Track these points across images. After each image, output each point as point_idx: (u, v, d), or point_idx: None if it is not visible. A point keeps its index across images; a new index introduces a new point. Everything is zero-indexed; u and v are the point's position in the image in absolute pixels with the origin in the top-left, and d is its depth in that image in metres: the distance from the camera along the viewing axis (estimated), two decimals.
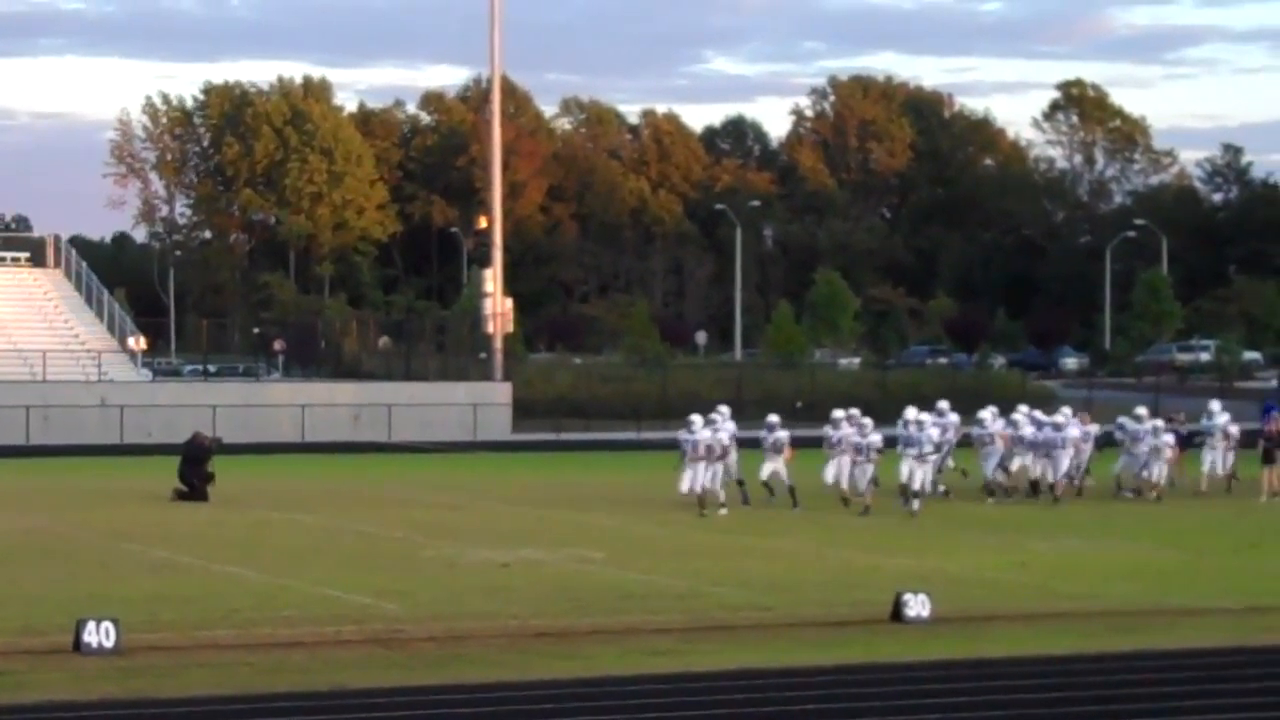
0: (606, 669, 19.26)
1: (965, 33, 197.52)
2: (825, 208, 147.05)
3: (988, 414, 40.43)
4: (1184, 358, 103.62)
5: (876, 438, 37.16)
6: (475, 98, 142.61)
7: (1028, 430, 39.95)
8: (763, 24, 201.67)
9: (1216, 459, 41.92)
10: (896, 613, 22.35)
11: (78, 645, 19.73)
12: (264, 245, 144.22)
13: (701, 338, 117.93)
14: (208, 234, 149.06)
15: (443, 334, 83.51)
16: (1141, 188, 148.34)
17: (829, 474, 37.60)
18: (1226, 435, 42.01)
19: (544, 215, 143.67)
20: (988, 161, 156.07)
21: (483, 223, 75.52)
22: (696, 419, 36.55)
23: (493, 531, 32.61)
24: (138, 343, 71.56)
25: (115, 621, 19.96)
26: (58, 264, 74.00)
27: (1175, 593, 25.39)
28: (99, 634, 19.76)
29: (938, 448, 38.01)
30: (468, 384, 67.42)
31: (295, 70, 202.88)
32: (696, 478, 35.81)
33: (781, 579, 26.62)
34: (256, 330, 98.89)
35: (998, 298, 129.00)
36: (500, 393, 66.38)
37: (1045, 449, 39.75)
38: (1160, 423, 41.34)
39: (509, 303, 70.35)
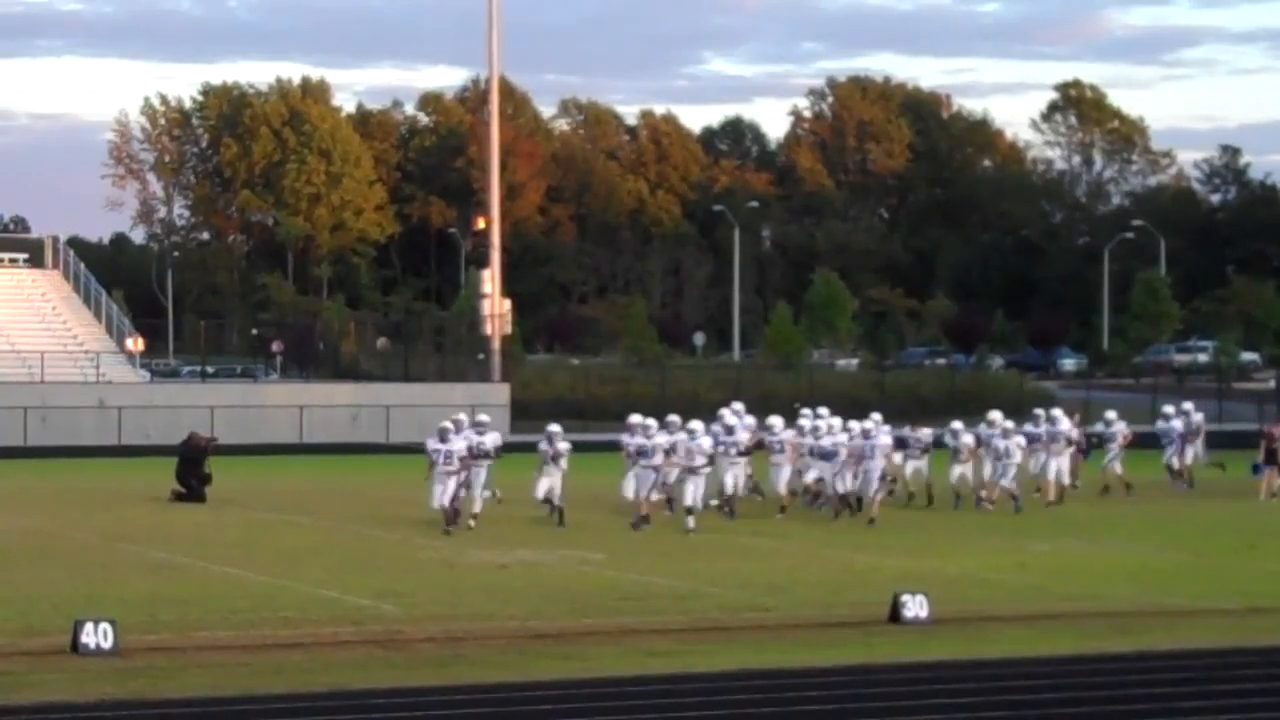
0: (605, 670, 19.25)
1: (963, 34, 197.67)
2: (823, 208, 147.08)
3: (778, 420, 37.39)
4: (1182, 359, 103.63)
5: (660, 439, 34.14)
6: (473, 99, 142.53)
7: (827, 440, 36.42)
8: (761, 25, 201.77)
9: (1056, 463, 39.94)
10: (895, 614, 22.34)
11: (76, 646, 19.71)
12: (262, 246, 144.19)
13: (700, 339, 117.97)
14: (206, 235, 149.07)
15: (441, 335, 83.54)
16: (1140, 188, 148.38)
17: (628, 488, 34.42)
18: (1069, 440, 40.57)
19: (542, 216, 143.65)
20: (986, 162, 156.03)
21: (481, 224, 75.48)
22: (450, 425, 33.65)
23: (491, 532, 32.59)
24: (136, 344, 71.58)
25: (113, 622, 19.95)
26: (56, 265, 74.02)
27: (1175, 593, 25.39)
28: (97, 635, 19.75)
29: (711, 459, 34.38)
30: (466, 385, 67.41)
31: (293, 71, 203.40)
32: (447, 491, 32.89)
33: (780, 580, 26.62)
34: (255, 331, 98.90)
35: (996, 299, 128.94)
36: (498, 394, 66.37)
37: (855, 458, 35.97)
38: (1010, 425, 38.67)
39: (507, 304, 70.37)
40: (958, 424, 39.12)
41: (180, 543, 30.92)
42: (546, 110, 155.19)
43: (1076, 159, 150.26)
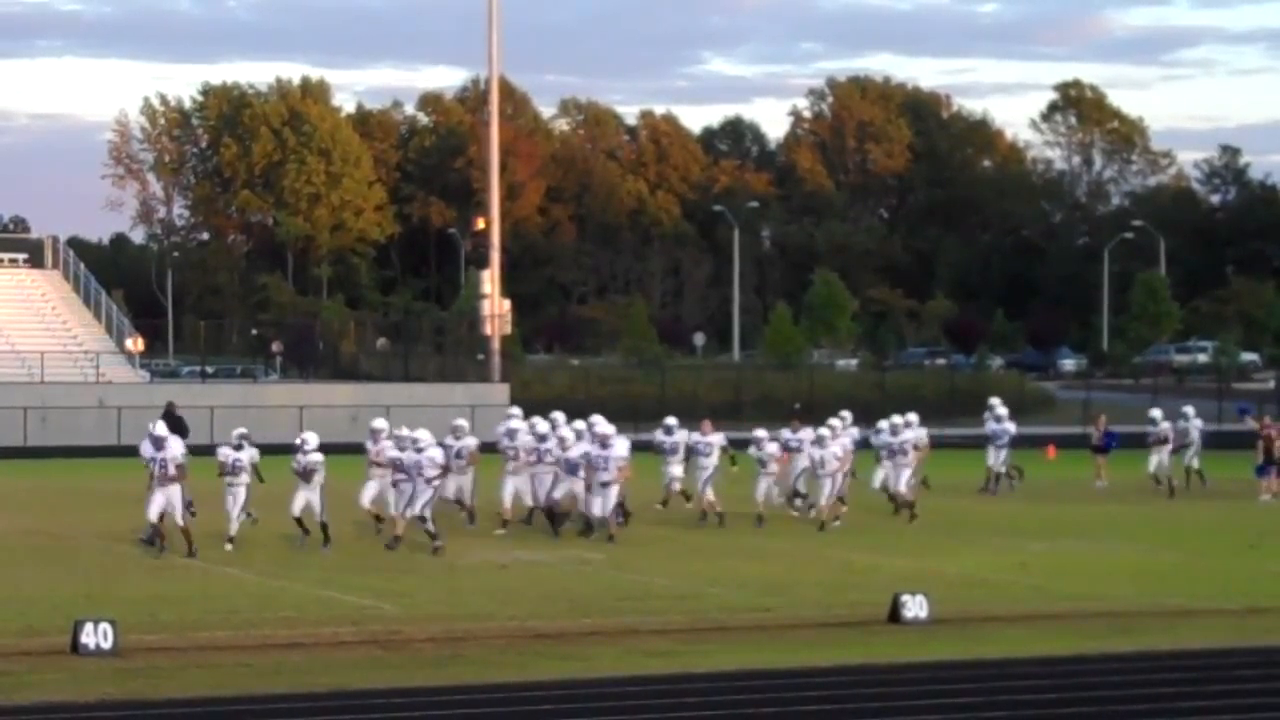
0: (605, 670, 19.25)
1: (963, 34, 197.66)
2: (823, 209, 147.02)
3: (520, 424, 34.12)
4: (1182, 359, 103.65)
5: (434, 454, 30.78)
6: (473, 99, 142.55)
7: (575, 450, 32.26)
8: (760, 25, 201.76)
9: (889, 475, 36.37)
10: (894, 614, 22.35)
11: (75, 646, 19.72)
12: (262, 246, 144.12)
13: (700, 339, 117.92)
14: (205, 235, 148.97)
15: (441, 335, 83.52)
16: (1139, 189, 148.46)
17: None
18: (910, 449, 36.53)
19: (542, 216, 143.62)
20: (986, 162, 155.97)
21: (481, 224, 75.43)
22: (162, 430, 29.90)
23: (490, 532, 32.56)
24: (135, 344, 71.52)
25: (113, 622, 19.96)
26: (56, 265, 73.98)
27: (1174, 593, 25.40)
28: (97, 635, 19.76)
29: (445, 469, 30.76)
30: (466, 385, 67.33)
31: (293, 71, 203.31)
32: (154, 504, 29.00)
33: (780, 580, 26.63)
34: (254, 331, 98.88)
35: (996, 299, 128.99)
36: (498, 394, 66.30)
37: (577, 468, 32.09)
38: (825, 431, 34.65)
39: (507, 304, 70.32)
40: (761, 431, 35.46)
41: (180, 543, 30.89)
42: (546, 110, 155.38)
43: (1076, 159, 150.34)
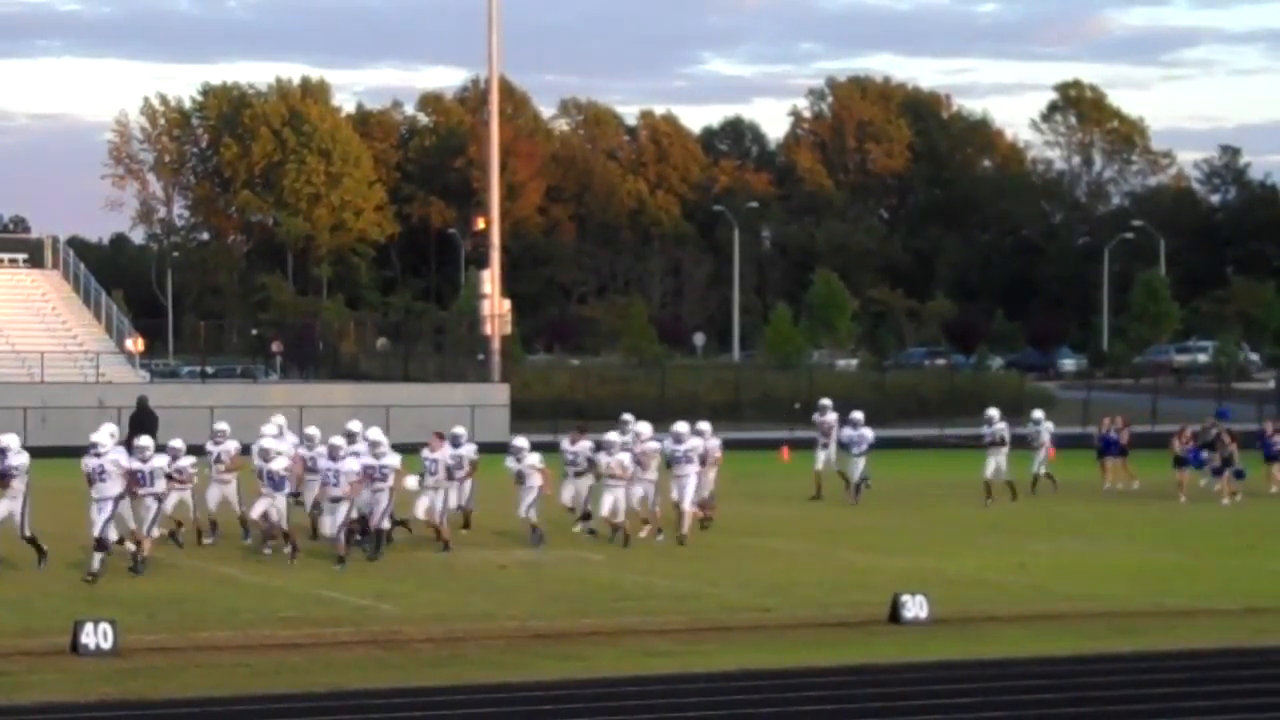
0: (604, 670, 19.25)
1: (962, 34, 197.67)
2: (823, 209, 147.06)
3: (274, 428, 30.68)
4: (1182, 359, 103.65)
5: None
6: (473, 99, 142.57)
7: (277, 461, 28.68)
8: (760, 25, 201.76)
9: (687, 487, 31.55)
10: (894, 614, 22.35)
11: (75, 646, 19.72)
12: (262, 246, 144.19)
13: (699, 339, 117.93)
14: (205, 235, 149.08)
15: (441, 335, 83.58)
16: (1139, 189, 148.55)
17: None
18: (695, 457, 31.69)
19: (542, 216, 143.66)
20: (986, 163, 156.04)
21: (481, 224, 75.46)
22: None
23: (490, 532, 32.55)
24: (135, 344, 71.52)
25: (113, 623, 19.96)
26: (56, 265, 74.00)
27: (1174, 594, 25.39)
28: (97, 635, 19.76)
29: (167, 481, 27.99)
30: (466, 385, 67.35)
31: (293, 71, 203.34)
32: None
33: (780, 580, 26.63)
34: (254, 331, 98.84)
35: (996, 299, 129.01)
36: (498, 394, 66.34)
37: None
38: (613, 436, 31.59)
39: (507, 304, 70.35)
40: (521, 440, 31.38)
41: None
42: (546, 110, 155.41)
43: (1076, 159, 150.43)
